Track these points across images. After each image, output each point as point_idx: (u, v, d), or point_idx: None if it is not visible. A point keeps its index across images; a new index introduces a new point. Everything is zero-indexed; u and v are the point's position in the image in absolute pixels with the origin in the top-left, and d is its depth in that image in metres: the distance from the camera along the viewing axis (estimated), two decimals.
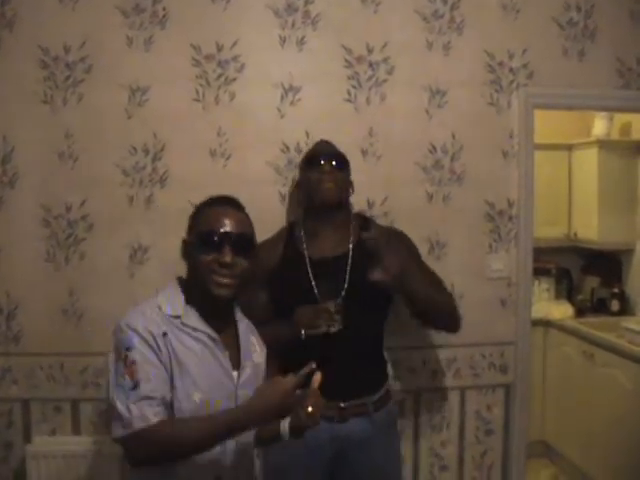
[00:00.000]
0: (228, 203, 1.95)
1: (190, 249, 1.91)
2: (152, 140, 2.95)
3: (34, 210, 2.92)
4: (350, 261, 2.50)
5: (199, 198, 2.00)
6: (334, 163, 2.55)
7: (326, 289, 2.44)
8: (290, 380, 1.71)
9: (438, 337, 3.13)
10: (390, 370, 2.79)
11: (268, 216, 2.97)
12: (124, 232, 2.95)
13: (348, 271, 2.48)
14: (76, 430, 2.98)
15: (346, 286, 2.45)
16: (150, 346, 1.76)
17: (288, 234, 2.66)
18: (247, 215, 1.99)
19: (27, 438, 2.96)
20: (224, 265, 1.84)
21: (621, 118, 4.85)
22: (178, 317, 1.85)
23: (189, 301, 1.90)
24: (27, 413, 2.97)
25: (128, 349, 1.75)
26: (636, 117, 4.68)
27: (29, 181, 2.91)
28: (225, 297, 1.88)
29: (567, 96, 3.22)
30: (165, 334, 1.79)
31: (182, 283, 1.96)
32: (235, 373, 1.90)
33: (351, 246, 2.53)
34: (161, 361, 1.76)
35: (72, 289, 2.94)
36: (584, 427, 4.24)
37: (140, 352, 1.74)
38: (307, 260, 2.51)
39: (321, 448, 2.41)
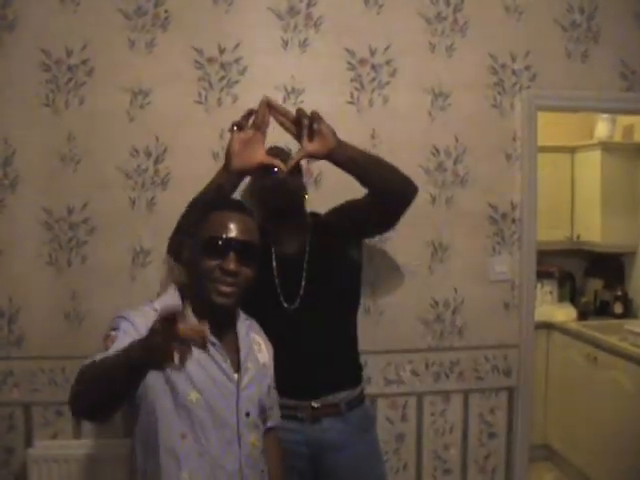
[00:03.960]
0: (236, 207, 1.92)
1: (193, 252, 1.88)
2: (154, 143, 2.94)
3: (36, 213, 2.91)
4: (307, 258, 2.46)
5: None
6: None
7: (287, 285, 2.43)
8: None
9: (440, 340, 3.13)
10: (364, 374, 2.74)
11: None
12: (126, 235, 2.94)
13: (306, 268, 2.45)
14: (77, 434, 2.97)
15: (304, 283, 2.43)
16: (138, 332, 1.70)
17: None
18: (254, 221, 1.96)
19: (28, 442, 2.94)
20: (228, 273, 1.81)
21: (624, 120, 4.85)
22: None
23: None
24: (28, 417, 2.96)
25: (114, 329, 1.75)
26: (639, 119, 4.67)
27: (31, 184, 2.90)
28: (227, 306, 1.86)
29: (570, 98, 3.21)
30: None
31: (181, 290, 1.94)
32: (236, 376, 1.88)
33: (308, 245, 2.49)
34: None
35: (74, 292, 2.94)
36: (587, 430, 4.23)
37: (124, 332, 1.73)
38: (273, 257, 2.47)
39: (296, 450, 2.38)
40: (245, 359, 1.93)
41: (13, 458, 2.96)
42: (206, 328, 1.40)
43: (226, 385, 1.85)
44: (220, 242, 1.82)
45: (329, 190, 2.99)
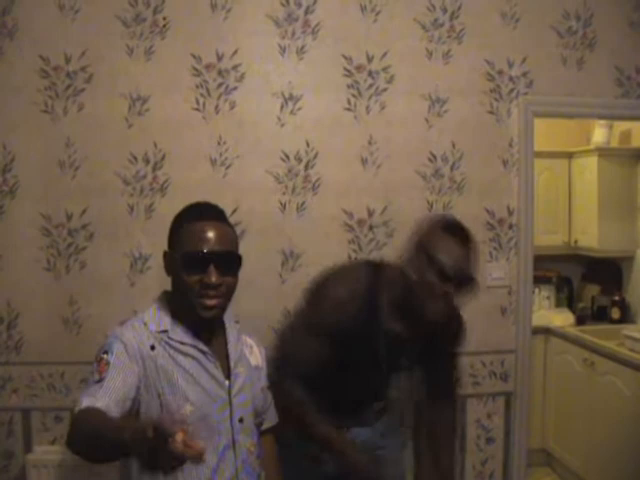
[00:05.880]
0: (211, 215, 1.88)
1: (174, 266, 1.85)
2: (152, 149, 2.95)
3: (34, 219, 2.92)
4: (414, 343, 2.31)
5: None
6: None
7: (393, 365, 2.33)
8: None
9: None
10: None
11: (268, 224, 2.99)
12: (125, 241, 2.95)
13: (410, 348, 2.30)
14: None
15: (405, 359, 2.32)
16: (129, 354, 1.73)
17: (368, 298, 2.19)
18: (231, 226, 1.94)
19: (28, 447, 2.95)
20: (210, 286, 1.78)
21: (620, 126, 4.86)
22: (165, 332, 1.83)
23: (175, 315, 1.87)
24: (27, 422, 2.96)
25: (105, 352, 1.74)
26: (635, 125, 4.69)
27: (29, 190, 2.91)
28: (212, 318, 1.85)
29: (567, 104, 3.23)
30: (153, 347, 1.78)
31: (167, 297, 1.93)
32: (227, 382, 1.88)
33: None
34: (136, 371, 1.74)
35: (73, 298, 2.94)
36: (585, 435, 4.24)
37: (116, 356, 1.72)
38: (385, 334, 2.22)
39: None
40: (235, 364, 1.93)
41: (12, 463, 2.96)
42: (204, 448, 1.25)
43: (218, 393, 1.85)
44: (200, 257, 1.78)
45: (329, 193, 3.02)
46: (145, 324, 1.84)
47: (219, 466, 1.81)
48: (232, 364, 1.92)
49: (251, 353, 2.04)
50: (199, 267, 1.78)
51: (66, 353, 2.92)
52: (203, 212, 1.89)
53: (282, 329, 2.37)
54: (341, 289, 2.15)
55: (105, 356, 1.73)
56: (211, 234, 1.81)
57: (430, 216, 2.30)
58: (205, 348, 1.85)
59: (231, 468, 1.84)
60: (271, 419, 2.15)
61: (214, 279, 1.78)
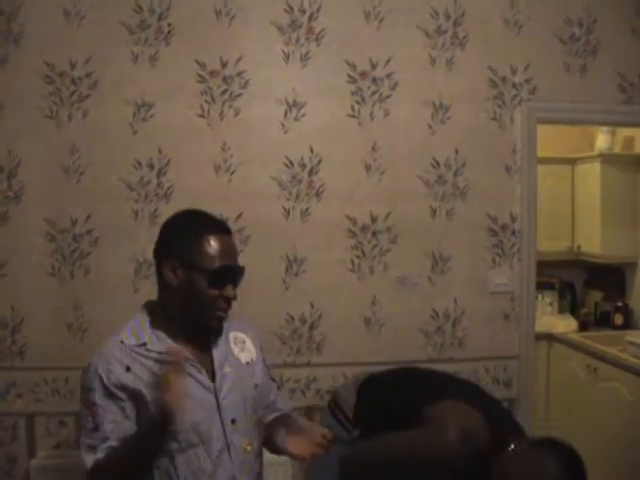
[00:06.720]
0: (227, 228, 1.88)
1: (186, 278, 1.81)
2: (157, 155, 2.96)
3: (39, 224, 2.93)
4: None
5: None
6: None
7: None
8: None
9: (441, 352, 3.15)
10: None
11: (272, 230, 3.01)
12: (129, 246, 2.95)
13: None
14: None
15: None
16: (109, 387, 1.74)
17: (477, 454, 2.13)
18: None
19: (31, 452, 2.95)
20: (229, 300, 1.83)
21: (623, 132, 4.86)
22: (143, 344, 1.80)
23: (154, 324, 1.85)
24: (32, 427, 2.97)
25: (89, 390, 1.76)
26: (638, 131, 4.69)
27: (34, 195, 2.92)
28: (221, 328, 1.90)
29: (570, 111, 3.25)
30: (128, 368, 1.76)
31: (153, 307, 1.91)
32: (213, 385, 1.84)
33: None
34: (120, 400, 1.75)
35: (77, 303, 2.95)
36: (587, 441, 4.22)
37: (100, 394, 1.74)
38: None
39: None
40: (221, 365, 1.89)
41: (16, 468, 2.97)
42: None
43: (205, 397, 1.82)
44: (225, 273, 1.81)
45: (332, 199, 3.03)
46: (122, 342, 1.81)
47: (215, 471, 1.79)
48: (217, 366, 1.88)
49: (242, 349, 1.99)
50: (223, 281, 1.81)
51: (70, 358, 2.91)
52: (219, 224, 1.88)
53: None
54: (459, 437, 2.11)
55: (90, 396, 1.75)
56: (229, 249, 1.85)
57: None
58: (187, 354, 1.81)
59: (228, 471, 1.82)
60: (279, 408, 2.12)
61: (233, 293, 1.83)
